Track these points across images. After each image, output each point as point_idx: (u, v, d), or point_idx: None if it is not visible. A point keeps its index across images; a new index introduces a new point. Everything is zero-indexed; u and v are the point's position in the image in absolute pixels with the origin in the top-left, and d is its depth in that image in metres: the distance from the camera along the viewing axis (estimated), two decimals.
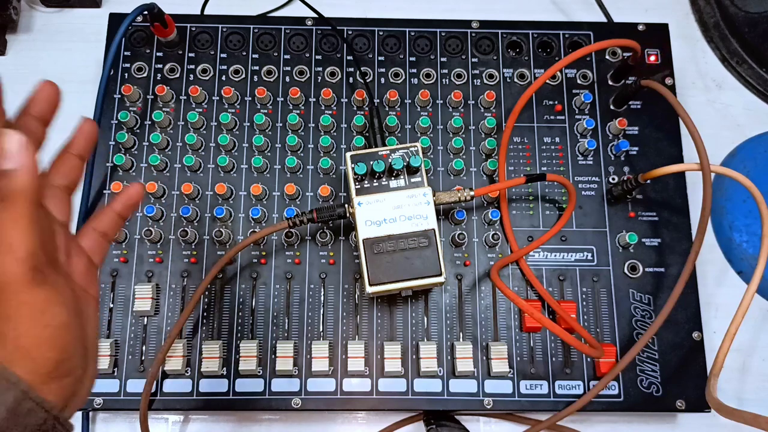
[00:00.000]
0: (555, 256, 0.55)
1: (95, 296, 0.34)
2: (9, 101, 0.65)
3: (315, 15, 0.60)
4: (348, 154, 0.47)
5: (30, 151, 0.28)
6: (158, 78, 0.58)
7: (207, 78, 0.58)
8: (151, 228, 0.54)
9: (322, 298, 0.53)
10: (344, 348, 0.52)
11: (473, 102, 0.58)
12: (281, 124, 0.57)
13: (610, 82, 0.59)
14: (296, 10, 0.65)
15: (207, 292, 0.53)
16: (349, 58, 0.59)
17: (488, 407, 0.51)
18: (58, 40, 0.65)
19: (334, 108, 0.58)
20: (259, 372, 0.51)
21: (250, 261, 0.54)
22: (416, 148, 0.48)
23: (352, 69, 0.59)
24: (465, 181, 0.56)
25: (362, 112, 0.57)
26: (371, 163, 0.46)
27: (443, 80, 0.59)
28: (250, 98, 0.58)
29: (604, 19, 0.65)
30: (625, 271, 0.54)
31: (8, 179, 0.27)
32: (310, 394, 0.51)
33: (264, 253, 0.54)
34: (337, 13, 0.60)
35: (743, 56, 0.65)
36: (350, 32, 0.60)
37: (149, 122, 0.57)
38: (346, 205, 0.48)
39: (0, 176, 0.27)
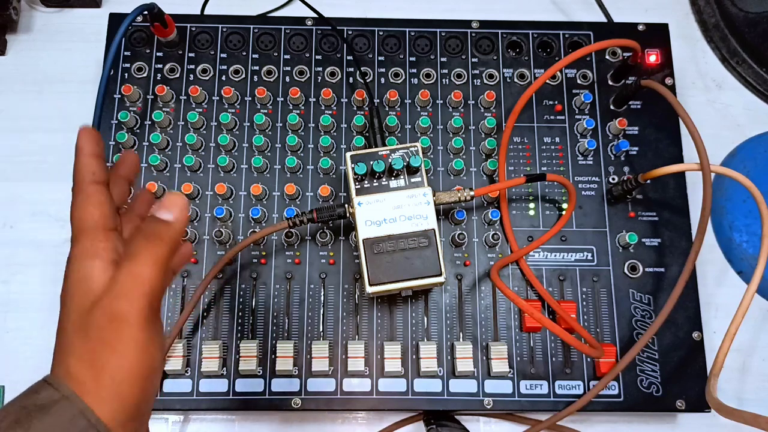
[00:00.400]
0: (555, 256, 0.55)
1: None
2: (9, 101, 0.65)
3: (315, 15, 0.60)
4: (348, 154, 0.47)
5: (187, 212, 0.32)
6: (158, 78, 0.58)
7: (207, 78, 0.58)
8: None
9: (322, 298, 0.53)
10: (344, 348, 0.52)
11: (473, 102, 0.58)
12: (281, 124, 0.57)
13: (610, 82, 0.59)
14: (296, 10, 0.65)
15: (207, 292, 0.53)
16: (349, 58, 0.59)
17: (488, 407, 0.51)
18: (58, 40, 0.65)
19: (334, 108, 0.58)
20: (259, 372, 0.51)
21: (250, 261, 0.54)
22: (416, 148, 0.48)
23: (352, 69, 0.59)
24: (465, 181, 0.56)
25: (362, 112, 0.57)
26: (371, 163, 0.46)
27: (443, 80, 0.59)
28: (250, 98, 0.58)
29: (604, 19, 0.65)
30: (625, 271, 0.54)
31: (163, 225, 0.30)
32: (310, 394, 0.51)
33: (264, 253, 0.54)
34: (337, 13, 0.60)
35: (743, 56, 0.65)
36: (350, 32, 0.60)
37: (149, 122, 0.57)
38: (346, 205, 0.48)
39: (155, 220, 0.30)
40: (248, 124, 0.57)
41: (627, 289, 0.54)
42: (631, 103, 0.58)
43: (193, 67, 0.58)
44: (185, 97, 0.58)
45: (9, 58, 0.64)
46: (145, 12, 0.54)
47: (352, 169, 0.47)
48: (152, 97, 0.57)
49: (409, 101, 0.58)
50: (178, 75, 0.58)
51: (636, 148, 0.57)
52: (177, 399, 0.51)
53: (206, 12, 0.64)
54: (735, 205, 0.60)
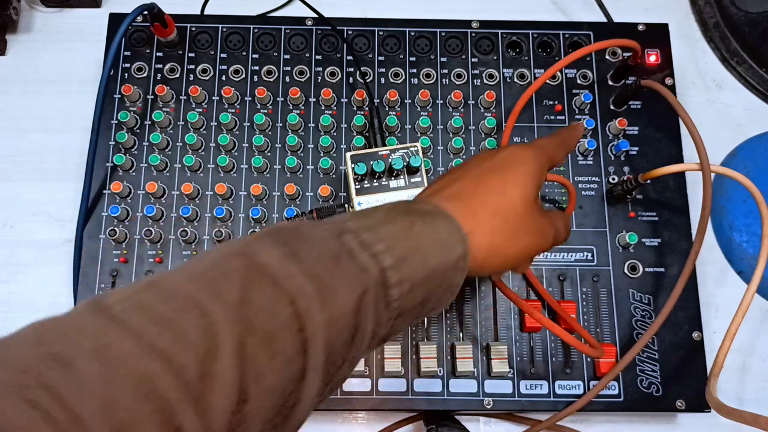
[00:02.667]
0: (555, 256, 0.55)
1: None
2: (9, 101, 0.65)
3: (315, 15, 0.60)
4: (348, 154, 0.47)
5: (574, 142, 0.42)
6: (158, 78, 0.58)
7: (207, 78, 0.58)
8: (151, 228, 0.54)
9: None
10: None
11: (473, 102, 0.58)
12: (281, 124, 0.57)
13: (610, 82, 0.59)
14: (296, 10, 0.65)
15: None
16: (349, 58, 0.59)
17: (488, 407, 0.51)
18: (58, 40, 0.65)
19: (334, 108, 0.58)
20: None
21: None
22: (416, 148, 0.48)
23: (352, 69, 0.59)
24: None
25: (362, 112, 0.57)
26: (371, 163, 0.46)
27: (443, 80, 0.59)
28: (250, 98, 0.58)
29: (604, 19, 0.65)
30: (625, 271, 0.54)
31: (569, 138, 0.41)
32: None
33: None
34: (337, 13, 0.60)
35: (743, 56, 0.65)
36: (350, 32, 0.60)
37: (149, 122, 0.57)
38: (346, 205, 0.48)
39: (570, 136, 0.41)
40: (248, 124, 0.57)
41: (627, 289, 0.54)
42: (631, 103, 0.58)
43: (193, 67, 0.58)
44: (185, 97, 0.58)
45: (9, 58, 0.64)
46: (145, 12, 0.54)
47: (352, 169, 0.47)
48: (152, 97, 0.57)
49: (409, 101, 0.58)
50: (178, 75, 0.58)
51: (636, 148, 0.57)
52: None
53: (206, 12, 0.64)
54: (735, 205, 0.60)
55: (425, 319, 0.53)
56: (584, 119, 0.57)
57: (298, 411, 0.27)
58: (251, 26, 0.60)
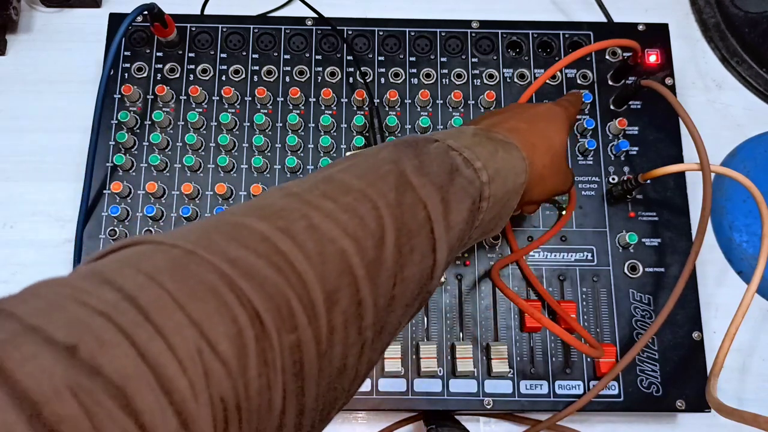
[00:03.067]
0: (555, 256, 0.55)
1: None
2: (9, 101, 0.65)
3: (315, 15, 0.60)
4: (348, 155, 0.47)
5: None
6: (158, 78, 0.58)
7: (207, 78, 0.58)
8: (151, 228, 0.54)
9: None
10: None
11: (473, 102, 0.58)
12: (281, 124, 0.57)
13: (610, 82, 0.59)
14: (296, 10, 0.65)
15: None
16: (349, 58, 0.59)
17: (488, 407, 0.51)
18: (58, 40, 0.65)
19: (334, 108, 0.58)
20: None
21: None
22: None
23: (352, 69, 0.59)
24: None
25: (362, 112, 0.57)
26: None
27: (443, 80, 0.59)
28: (250, 98, 0.58)
29: (604, 19, 0.65)
30: (625, 271, 0.54)
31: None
32: None
33: None
34: (337, 13, 0.60)
35: (743, 56, 0.65)
36: (350, 32, 0.60)
37: (149, 122, 0.57)
38: None
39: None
40: (248, 124, 0.57)
41: (627, 289, 0.54)
42: (631, 103, 0.58)
43: (193, 67, 0.58)
44: (185, 97, 0.58)
45: (9, 58, 0.64)
46: (145, 12, 0.54)
47: None
48: (152, 97, 0.57)
49: (409, 101, 0.58)
50: (178, 75, 0.58)
51: (636, 148, 0.57)
52: None
53: (206, 12, 0.64)
54: (735, 205, 0.60)
55: (425, 318, 0.53)
56: (584, 118, 0.57)
57: (424, 300, 0.32)
58: (251, 26, 0.60)
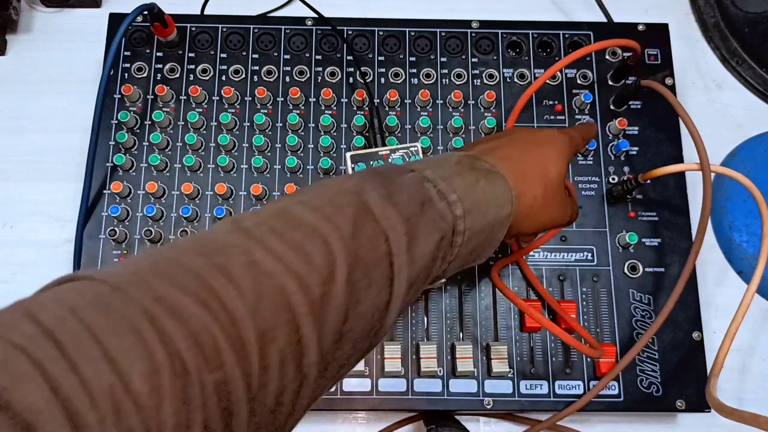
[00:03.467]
0: (555, 256, 0.55)
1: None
2: (9, 101, 0.65)
3: (315, 15, 0.60)
4: (348, 154, 0.47)
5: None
6: (158, 78, 0.58)
7: (207, 78, 0.58)
8: (151, 228, 0.54)
9: None
10: None
11: (473, 102, 0.58)
12: (281, 124, 0.57)
13: (610, 82, 0.59)
14: (296, 10, 0.65)
15: None
16: (349, 58, 0.59)
17: (488, 407, 0.51)
18: (58, 40, 0.65)
19: (334, 108, 0.58)
20: None
21: None
22: (416, 148, 0.48)
23: (352, 69, 0.59)
24: None
25: (362, 112, 0.57)
26: (371, 163, 0.47)
27: (443, 80, 0.59)
28: (250, 98, 0.58)
29: (604, 19, 0.65)
30: (625, 271, 0.54)
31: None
32: None
33: None
34: (337, 13, 0.60)
35: (743, 56, 0.65)
36: (350, 32, 0.60)
37: (149, 122, 0.57)
38: None
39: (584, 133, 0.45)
40: (248, 124, 0.57)
41: (627, 289, 0.54)
42: (631, 103, 0.58)
43: (193, 67, 0.58)
44: (185, 97, 0.58)
45: (9, 58, 0.64)
46: (145, 12, 0.54)
47: (352, 169, 0.47)
48: (152, 97, 0.57)
49: (409, 101, 0.58)
50: (178, 75, 0.58)
51: (636, 148, 0.57)
52: None
53: (206, 12, 0.64)
54: (735, 205, 0.60)
55: (425, 318, 0.53)
56: (584, 118, 0.57)
57: (378, 337, 0.31)
58: (251, 26, 0.60)
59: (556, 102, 0.58)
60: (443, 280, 0.45)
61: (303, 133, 0.57)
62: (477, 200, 0.34)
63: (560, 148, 0.40)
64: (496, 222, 0.35)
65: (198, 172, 0.56)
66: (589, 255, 0.55)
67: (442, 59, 0.59)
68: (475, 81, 0.59)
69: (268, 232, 0.28)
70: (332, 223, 0.29)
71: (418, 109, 0.58)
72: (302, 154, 0.57)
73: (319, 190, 0.32)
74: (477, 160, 0.37)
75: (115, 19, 0.59)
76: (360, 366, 0.50)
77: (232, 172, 0.56)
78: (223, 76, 0.58)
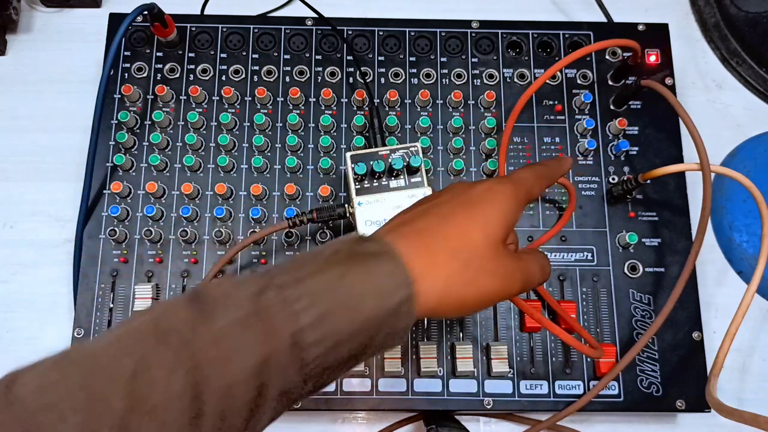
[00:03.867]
0: (555, 256, 0.55)
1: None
2: (9, 101, 0.65)
3: (315, 15, 0.60)
4: (348, 154, 0.47)
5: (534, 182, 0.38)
6: (158, 78, 0.58)
7: (207, 78, 0.58)
8: (151, 228, 0.54)
9: None
10: None
11: (473, 102, 0.58)
12: (281, 124, 0.57)
13: (610, 82, 0.59)
14: (296, 10, 0.65)
15: None
16: (349, 58, 0.59)
17: (488, 407, 0.51)
18: (58, 40, 0.65)
19: (334, 108, 0.58)
20: None
21: (250, 261, 0.54)
22: (416, 148, 0.48)
23: (352, 69, 0.59)
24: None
25: (362, 112, 0.57)
26: (371, 163, 0.46)
27: (443, 80, 0.59)
28: (250, 98, 0.58)
29: (604, 19, 0.65)
30: (625, 271, 0.54)
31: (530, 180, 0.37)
32: None
33: (264, 253, 0.54)
34: (337, 13, 0.60)
35: (743, 56, 0.65)
36: (350, 32, 0.60)
37: (149, 122, 0.57)
38: (346, 205, 0.48)
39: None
40: (248, 124, 0.57)
41: (627, 289, 0.54)
42: (631, 103, 0.58)
43: (193, 67, 0.58)
44: (185, 97, 0.58)
45: (9, 58, 0.64)
46: (145, 12, 0.54)
47: (352, 169, 0.47)
48: (152, 97, 0.57)
49: (409, 101, 0.58)
50: (178, 75, 0.58)
51: (636, 148, 0.57)
52: None
53: (206, 12, 0.64)
54: (735, 205, 0.60)
55: (425, 319, 0.53)
56: (584, 118, 0.57)
57: None
58: (251, 26, 0.60)
59: (556, 102, 0.58)
60: None
61: (303, 133, 0.57)
62: (340, 299, 0.30)
63: (495, 207, 0.34)
64: (382, 314, 0.30)
65: (198, 172, 0.56)
66: (589, 255, 0.55)
67: (442, 59, 0.59)
68: (475, 81, 0.59)
69: (36, 393, 0.25)
70: (107, 375, 0.26)
71: (418, 109, 0.58)
72: (302, 154, 0.57)
73: (124, 323, 0.29)
74: (365, 243, 0.32)
75: (115, 19, 0.59)
76: (360, 366, 0.50)
77: (232, 172, 0.56)
78: (223, 76, 0.58)
